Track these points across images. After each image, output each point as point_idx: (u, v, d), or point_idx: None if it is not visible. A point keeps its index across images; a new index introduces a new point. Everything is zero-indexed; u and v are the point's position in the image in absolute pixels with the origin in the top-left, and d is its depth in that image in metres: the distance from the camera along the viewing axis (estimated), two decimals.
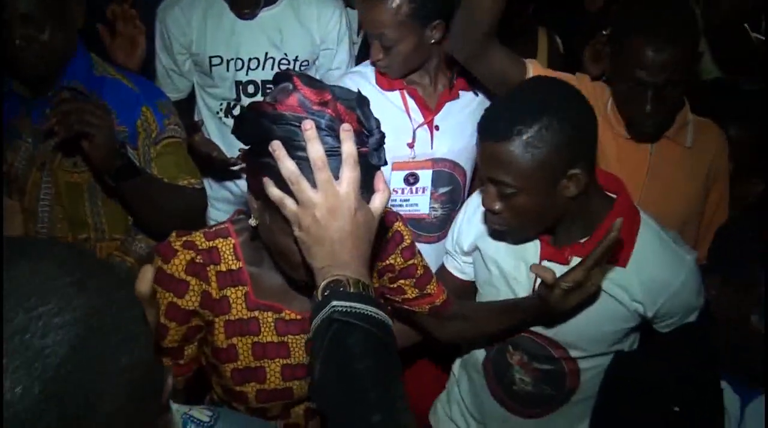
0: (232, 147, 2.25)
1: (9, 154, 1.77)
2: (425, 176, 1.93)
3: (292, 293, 1.29)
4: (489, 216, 1.48)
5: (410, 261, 1.39)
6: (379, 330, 0.96)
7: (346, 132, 0.99)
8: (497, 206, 1.42)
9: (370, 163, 1.04)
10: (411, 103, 1.93)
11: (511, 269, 1.54)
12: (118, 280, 0.67)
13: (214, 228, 1.30)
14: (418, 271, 1.41)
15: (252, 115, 1.06)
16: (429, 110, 1.94)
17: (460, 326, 1.52)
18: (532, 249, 1.52)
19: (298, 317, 1.30)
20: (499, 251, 1.56)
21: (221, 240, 1.28)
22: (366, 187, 1.02)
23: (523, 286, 1.52)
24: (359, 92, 1.07)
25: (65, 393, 0.57)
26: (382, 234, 1.34)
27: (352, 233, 0.98)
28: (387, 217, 1.35)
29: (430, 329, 1.54)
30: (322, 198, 0.97)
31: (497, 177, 1.37)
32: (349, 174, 0.98)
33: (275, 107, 1.03)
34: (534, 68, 1.79)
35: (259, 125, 1.04)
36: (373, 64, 1.92)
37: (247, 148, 1.12)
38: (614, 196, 1.50)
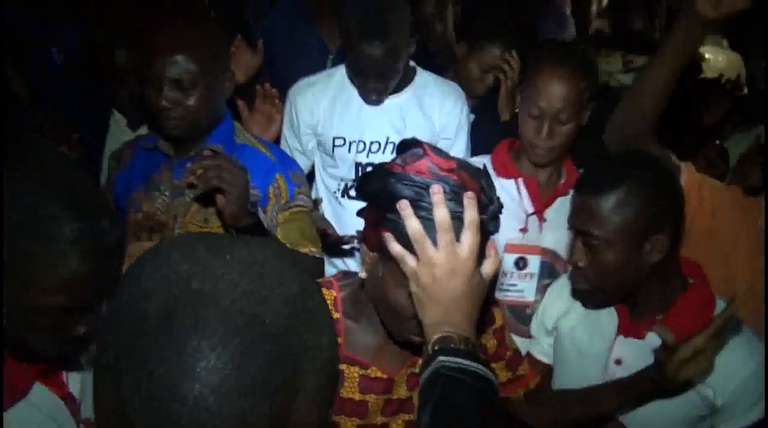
0: (346, 226, 2.33)
1: (145, 205, 1.88)
2: (534, 262, 1.96)
3: (384, 353, 1.32)
4: (574, 275, 1.53)
5: (501, 344, 1.41)
6: (484, 387, 1.00)
7: (470, 199, 1.04)
8: (582, 260, 1.47)
9: (485, 230, 1.09)
10: (524, 192, 1.98)
11: (585, 344, 1.57)
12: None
13: (320, 280, 1.37)
14: (508, 353, 1.43)
15: (381, 173, 1.13)
16: (539, 202, 1.99)
17: (560, 410, 1.52)
18: (608, 324, 1.55)
19: (384, 376, 1.31)
20: (577, 327, 1.59)
21: (324, 290, 1.32)
22: (479, 253, 1.07)
23: (595, 361, 1.54)
24: (484, 166, 1.14)
25: (280, 358, 0.61)
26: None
27: (467, 294, 1.04)
28: None
29: (528, 419, 1.53)
30: (444, 258, 1.02)
31: (587, 228, 1.44)
32: (472, 239, 1.03)
33: (405, 169, 1.10)
34: (689, 172, 1.78)
35: (387, 183, 1.10)
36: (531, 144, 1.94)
37: (366, 204, 1.19)
38: (691, 280, 1.54)
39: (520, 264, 1.97)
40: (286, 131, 2.38)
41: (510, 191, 1.98)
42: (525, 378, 1.48)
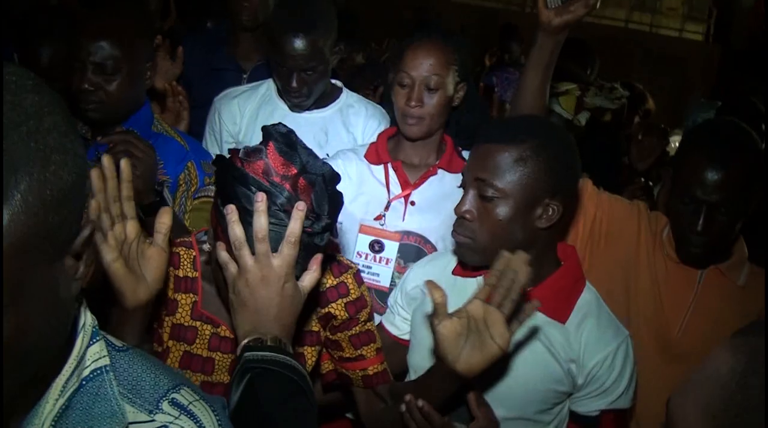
0: None
1: None
2: (391, 247, 1.94)
3: None
4: (456, 226, 1.48)
5: (354, 317, 1.42)
6: (292, 374, 1.04)
7: (298, 211, 1.07)
8: (471, 212, 1.44)
9: (312, 243, 1.13)
10: (393, 176, 1.99)
11: None
12: None
13: (180, 238, 1.41)
14: (358, 328, 1.44)
15: (224, 165, 1.15)
16: (408, 184, 1.98)
17: (386, 409, 1.48)
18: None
19: (232, 336, 1.33)
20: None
21: (184, 249, 1.39)
22: (304, 264, 1.13)
23: None
24: (330, 170, 1.15)
25: None
26: (326, 283, 1.40)
27: (277, 303, 1.09)
28: (336, 268, 1.42)
29: (359, 406, 1.53)
30: (257, 267, 1.07)
31: (485, 177, 1.43)
32: (287, 251, 1.07)
33: (244, 165, 1.11)
34: (587, 183, 1.86)
35: (226, 180, 1.13)
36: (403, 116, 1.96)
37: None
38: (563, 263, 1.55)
39: (376, 246, 1.95)
40: (208, 137, 2.43)
41: (378, 177, 1.99)
42: (365, 362, 1.47)
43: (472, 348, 1.24)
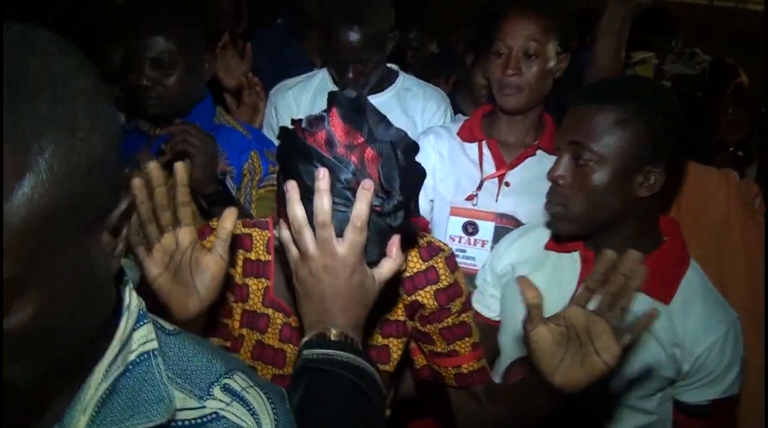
0: None
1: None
2: (486, 228, 1.86)
3: None
4: (548, 195, 1.39)
5: (446, 307, 1.27)
6: (357, 377, 0.93)
7: (364, 191, 0.93)
8: (565, 178, 1.34)
9: (385, 224, 0.98)
10: (487, 155, 1.91)
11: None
12: None
13: (254, 220, 1.32)
14: (450, 320, 1.29)
15: (288, 136, 1.01)
16: (504, 164, 1.90)
17: (481, 411, 1.36)
18: (570, 273, 1.41)
19: None
20: (534, 275, 1.35)
21: (258, 230, 1.29)
22: (379, 249, 0.99)
23: (550, 312, 1.30)
24: (404, 138, 1.01)
25: None
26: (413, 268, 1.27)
27: (345, 295, 0.96)
28: (426, 251, 1.28)
29: (453, 407, 1.39)
30: (320, 254, 0.95)
31: (581, 140, 1.33)
32: (353, 237, 0.94)
33: (305, 135, 0.98)
34: None
35: (287, 153, 1.00)
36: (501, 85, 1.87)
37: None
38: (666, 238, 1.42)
39: (469, 228, 1.87)
40: (266, 132, 2.39)
41: (471, 155, 1.92)
42: (459, 358, 1.32)
43: (573, 361, 1.09)
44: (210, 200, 1.74)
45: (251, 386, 0.78)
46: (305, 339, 0.97)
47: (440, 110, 2.32)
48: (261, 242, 1.28)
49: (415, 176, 1.00)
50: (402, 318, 1.30)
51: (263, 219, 1.32)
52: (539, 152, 1.89)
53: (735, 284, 1.67)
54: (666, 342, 1.36)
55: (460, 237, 1.88)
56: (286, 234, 0.99)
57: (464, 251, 1.88)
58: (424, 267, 1.26)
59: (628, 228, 1.36)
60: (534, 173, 1.85)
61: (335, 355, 0.94)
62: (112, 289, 0.71)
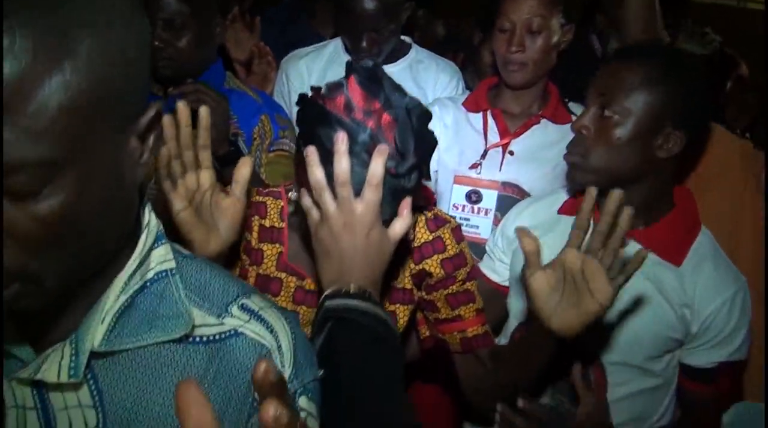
0: None
1: None
2: (490, 196, 1.86)
3: None
4: (570, 146, 1.41)
5: (452, 275, 1.32)
6: (372, 322, 0.97)
7: (380, 153, 0.99)
8: (588, 128, 1.37)
9: (399, 185, 1.04)
10: (491, 124, 1.91)
11: (552, 255, 1.34)
12: None
13: (268, 189, 1.37)
14: (455, 287, 1.33)
15: (305, 103, 1.09)
16: (508, 133, 1.90)
17: (486, 373, 1.39)
18: None
19: (318, 290, 1.28)
20: (545, 236, 1.36)
21: (272, 199, 1.34)
22: (392, 208, 1.03)
23: None
24: (418, 105, 1.07)
25: None
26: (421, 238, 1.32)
27: (363, 252, 1.00)
28: (432, 222, 1.32)
29: (459, 372, 1.43)
30: (339, 213, 0.99)
31: (609, 92, 1.35)
32: (369, 195, 0.99)
33: (324, 102, 1.04)
34: None
35: (306, 120, 1.07)
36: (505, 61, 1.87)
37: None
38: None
39: (473, 197, 1.87)
40: (277, 99, 2.38)
41: (475, 125, 1.92)
42: (463, 323, 1.36)
43: (569, 304, 1.12)
44: (223, 160, 1.75)
45: (269, 306, 0.80)
46: (326, 293, 1.01)
47: (452, 83, 2.32)
48: (275, 210, 1.33)
49: (427, 141, 1.07)
50: (409, 287, 1.35)
51: (276, 189, 1.37)
52: (543, 121, 1.89)
53: (746, 254, 1.67)
54: (676, 302, 1.38)
55: (464, 206, 1.89)
56: (307, 199, 1.04)
57: (468, 219, 1.88)
58: (431, 237, 1.31)
59: (642, 189, 1.38)
60: (538, 141, 1.87)
61: (356, 305, 0.98)
62: (135, 199, 0.72)
